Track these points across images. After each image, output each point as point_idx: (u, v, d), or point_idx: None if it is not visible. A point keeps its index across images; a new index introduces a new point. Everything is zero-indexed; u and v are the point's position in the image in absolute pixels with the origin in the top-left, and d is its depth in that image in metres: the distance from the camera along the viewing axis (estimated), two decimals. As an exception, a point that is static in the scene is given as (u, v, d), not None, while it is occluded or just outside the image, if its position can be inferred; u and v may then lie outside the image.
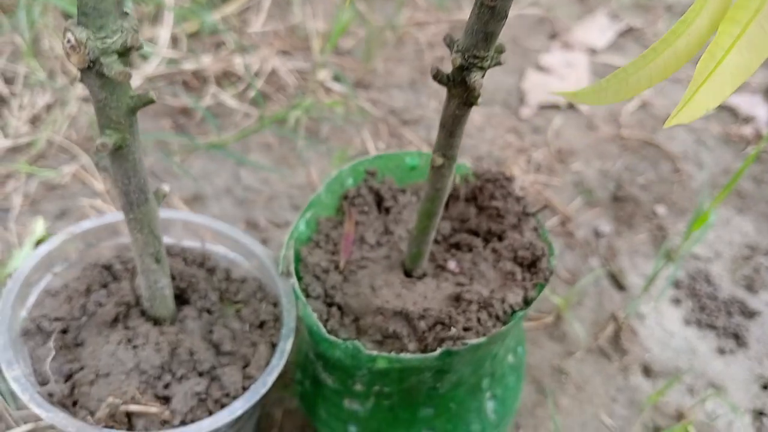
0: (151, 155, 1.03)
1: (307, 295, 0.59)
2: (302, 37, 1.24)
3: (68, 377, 0.54)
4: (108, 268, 0.62)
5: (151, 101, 0.43)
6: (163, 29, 1.17)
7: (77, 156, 1.02)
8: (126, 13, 0.40)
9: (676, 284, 0.99)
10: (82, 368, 0.55)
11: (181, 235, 0.67)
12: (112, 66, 0.38)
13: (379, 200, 0.67)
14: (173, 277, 0.59)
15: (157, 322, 0.57)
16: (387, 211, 0.67)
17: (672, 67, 0.38)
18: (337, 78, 1.19)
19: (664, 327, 0.94)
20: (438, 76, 0.44)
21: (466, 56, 0.43)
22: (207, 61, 1.13)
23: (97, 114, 0.42)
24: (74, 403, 0.54)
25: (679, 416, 0.84)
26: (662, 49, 0.38)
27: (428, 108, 1.19)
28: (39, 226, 0.91)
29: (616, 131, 1.22)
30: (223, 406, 0.54)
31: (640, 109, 1.27)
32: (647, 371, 0.89)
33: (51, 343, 0.55)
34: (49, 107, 1.07)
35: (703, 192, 0.82)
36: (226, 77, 1.15)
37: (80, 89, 1.10)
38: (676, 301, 0.97)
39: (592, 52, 1.38)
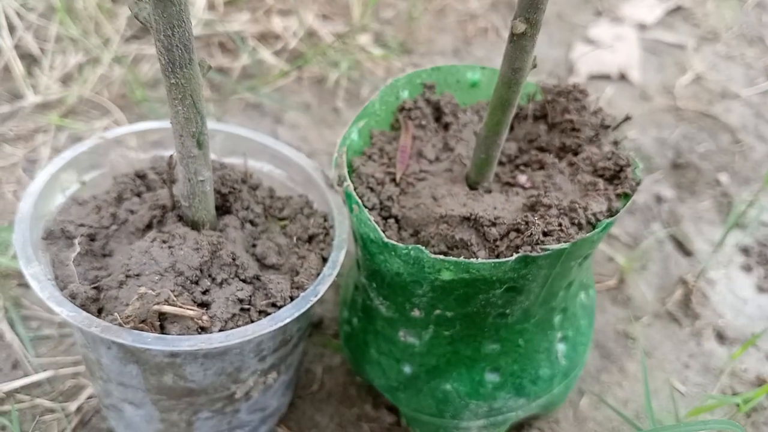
0: (184, 112, 0.99)
1: (360, 208, 0.53)
2: (342, 4, 1.20)
3: (94, 282, 0.48)
4: (142, 177, 0.57)
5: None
6: (200, -8, 1.13)
7: (109, 111, 0.97)
8: None
9: (746, 251, 0.91)
10: (110, 275, 0.49)
11: (220, 150, 0.62)
12: None
13: (438, 116, 0.61)
14: (217, 180, 0.53)
15: (195, 226, 0.51)
16: (446, 127, 0.61)
17: None
18: (378, 42, 1.14)
19: (736, 293, 0.86)
20: None
21: None
22: (245, 21, 1.09)
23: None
24: (100, 311, 0.47)
25: (760, 382, 0.76)
26: None
27: (473, 75, 1.14)
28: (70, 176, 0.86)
29: (671, 102, 1.15)
30: (268, 316, 0.47)
31: (694, 82, 1.21)
32: (721, 337, 0.81)
33: (76, 244, 0.49)
34: (81, 66, 1.04)
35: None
36: (264, 38, 1.10)
37: (113, 49, 1.06)
38: (747, 268, 0.89)
39: (642, 27, 1.32)
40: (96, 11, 1.07)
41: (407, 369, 0.58)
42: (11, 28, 1.03)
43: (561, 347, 0.59)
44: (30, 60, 1.03)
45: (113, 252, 0.52)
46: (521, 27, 0.44)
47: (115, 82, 1.01)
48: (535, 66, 0.48)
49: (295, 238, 0.54)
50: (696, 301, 0.83)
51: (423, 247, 0.47)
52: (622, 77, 1.20)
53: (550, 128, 0.60)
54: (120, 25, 1.09)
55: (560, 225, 0.49)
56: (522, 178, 0.55)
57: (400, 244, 0.48)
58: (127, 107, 0.99)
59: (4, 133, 0.93)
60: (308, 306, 0.47)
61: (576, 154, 0.57)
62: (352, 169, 0.55)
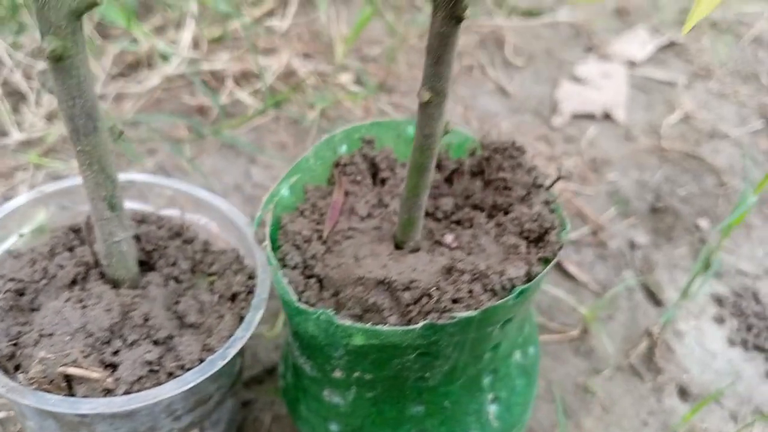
0: (162, 151, 1.00)
1: (284, 265, 0.53)
2: (326, 42, 1.21)
3: (14, 339, 0.49)
4: (76, 231, 0.58)
5: (95, 4, 0.38)
6: (185, 32, 1.15)
7: (86, 149, 0.99)
8: None
9: (720, 302, 0.89)
10: (31, 331, 0.50)
11: (159, 203, 0.62)
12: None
13: (375, 171, 0.61)
14: (139, 239, 0.54)
15: (116, 284, 0.52)
16: (383, 182, 0.61)
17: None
18: (358, 81, 1.15)
19: (705, 346, 0.84)
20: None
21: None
22: (226, 60, 1.10)
23: (37, 17, 0.38)
24: (16, 368, 0.48)
25: (722, 443, 0.74)
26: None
27: (453, 113, 1.14)
28: (38, 215, 0.88)
29: (656, 143, 1.14)
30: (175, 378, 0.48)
31: (682, 121, 1.19)
32: (684, 394, 0.79)
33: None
34: (65, 103, 1.06)
35: (745, 193, 0.73)
36: (245, 77, 1.12)
37: (98, 87, 1.08)
38: (720, 320, 0.87)
39: (631, 64, 1.30)
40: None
41: (334, 428, 0.57)
42: (0, 67, 1.06)
43: (493, 408, 0.58)
44: (18, 97, 1.06)
45: (41, 306, 0.53)
46: (426, 96, 0.44)
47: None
48: (447, 131, 0.48)
49: (217, 296, 0.54)
50: (660, 354, 0.81)
51: (332, 313, 0.47)
52: (607, 116, 1.19)
53: (486, 185, 0.60)
54: (107, 63, 1.12)
55: (471, 292, 0.48)
56: (448, 238, 0.55)
57: (311, 309, 0.48)
58: (106, 145, 1.00)
59: (-15, 170, 0.96)
60: (215, 369, 0.47)
61: (507, 213, 0.57)
62: (279, 226, 0.56)
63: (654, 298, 0.89)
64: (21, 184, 0.94)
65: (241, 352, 0.50)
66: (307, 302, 0.51)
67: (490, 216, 0.58)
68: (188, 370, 0.48)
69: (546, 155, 1.09)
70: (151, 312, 0.50)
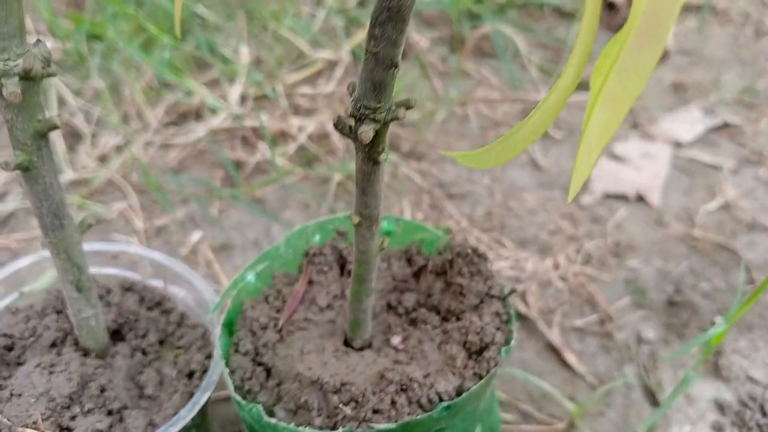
0: (194, 202, 1.07)
1: (236, 350, 0.57)
2: (366, 105, 1.25)
3: (-9, 392, 0.55)
4: (66, 294, 0.64)
5: (56, 127, 0.44)
6: (234, 88, 1.23)
7: (128, 195, 1.07)
8: (39, 41, 0.42)
9: (722, 409, 0.86)
10: (5, 389, 0.56)
11: (149, 271, 0.68)
12: (7, 86, 0.40)
13: (343, 262, 0.64)
14: (114, 310, 0.59)
15: (86, 353, 0.57)
16: (350, 274, 0.64)
17: (544, 123, 0.33)
18: (392, 145, 1.18)
19: (698, 458, 0.81)
20: (338, 125, 0.42)
21: (357, 106, 0.40)
22: (265, 120, 1.17)
23: (9, 135, 0.44)
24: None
25: None
26: (538, 108, 0.34)
27: (479, 184, 1.15)
28: (46, 275, 0.96)
29: (687, 230, 1.10)
30: (121, 449, 0.52)
31: (721, 209, 1.15)
32: (666, 506, 0.76)
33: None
34: (118, 148, 1.15)
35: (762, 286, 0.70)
36: (282, 136, 1.18)
37: (149, 134, 1.17)
38: (718, 429, 0.84)
39: (677, 145, 1.27)
40: (140, 97, 1.20)
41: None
42: (63, 108, 1.17)
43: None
44: (76, 138, 1.17)
45: (26, 362, 0.59)
46: (355, 220, 0.47)
47: (143, 166, 1.12)
48: (383, 249, 0.50)
49: (176, 372, 0.59)
50: (644, 461, 0.79)
51: (261, 407, 0.50)
52: (641, 199, 1.16)
53: (447, 287, 0.61)
54: (160, 112, 1.21)
55: (394, 403, 0.50)
56: (395, 340, 0.57)
57: (243, 402, 0.51)
58: (147, 192, 1.09)
59: (36, 208, 1.05)
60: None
61: (459, 320, 0.58)
62: (240, 311, 0.60)
63: (652, 397, 0.87)
64: (65, 223, 1.03)
65: (186, 430, 0.54)
66: (249, 390, 0.54)
67: (445, 319, 0.59)
68: (132, 443, 0.53)
69: (567, 235, 1.08)
70: (110, 383, 0.55)
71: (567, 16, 1.65)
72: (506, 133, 0.36)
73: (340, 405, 0.49)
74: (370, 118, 0.40)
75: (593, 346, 0.93)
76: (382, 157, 0.42)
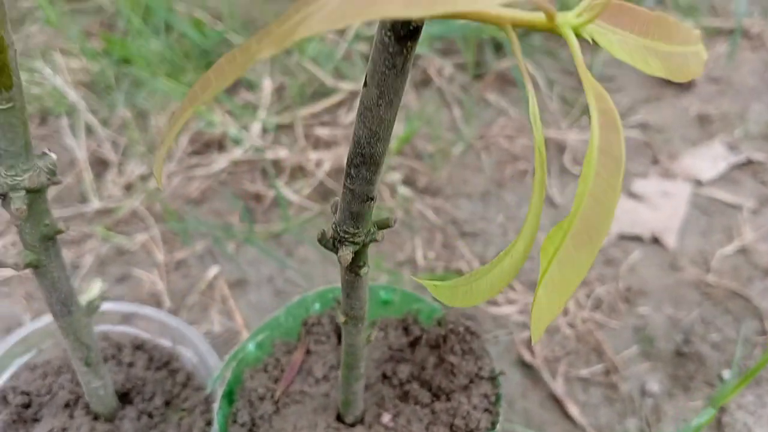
0: (210, 236, 1.11)
1: (235, 421, 0.59)
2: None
3: (6, 453, 0.60)
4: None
5: (60, 232, 0.47)
6: (256, 120, 1.26)
7: (150, 227, 1.11)
8: (45, 154, 0.45)
9: (723, 471, 0.86)
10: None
11: (158, 331, 0.71)
12: (15, 201, 0.43)
13: (340, 331, 0.66)
14: (124, 372, 0.63)
15: (97, 416, 0.61)
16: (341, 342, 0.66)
17: (500, 284, 0.35)
18: (407, 180, 1.20)
19: None
20: (322, 241, 0.44)
21: (338, 229, 0.42)
22: (283, 154, 1.20)
23: (19, 237, 0.47)
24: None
25: None
26: (493, 266, 0.35)
27: (493, 222, 1.16)
28: (94, 288, 1.00)
29: (702, 275, 1.10)
30: None
31: (738, 253, 1.14)
32: None
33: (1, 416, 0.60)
34: (143, 177, 1.20)
35: None
36: (300, 170, 1.20)
37: (172, 164, 1.21)
38: (719, 491, 0.84)
39: (697, 183, 1.26)
40: (166, 126, 1.23)
41: None
42: (90, 137, 1.21)
43: None
44: (104, 166, 1.21)
45: (42, 419, 0.63)
46: (342, 319, 0.49)
47: (166, 197, 1.16)
48: (369, 341, 0.52)
49: (179, 436, 0.62)
50: None
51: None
52: (656, 240, 1.16)
53: (440, 362, 0.63)
54: (184, 141, 1.25)
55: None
56: (386, 418, 0.59)
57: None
58: (169, 222, 1.12)
59: (63, 237, 1.10)
60: None
61: (449, 399, 0.60)
62: (239, 381, 0.62)
63: (653, 454, 0.88)
64: (88, 254, 1.07)
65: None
66: (244, 461, 0.57)
67: (436, 396, 0.61)
68: None
69: (579, 278, 1.08)
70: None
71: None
72: (470, 275, 0.37)
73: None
74: (349, 242, 0.42)
75: (597, 397, 0.94)
76: (363, 270, 0.44)
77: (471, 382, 0.60)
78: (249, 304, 1.02)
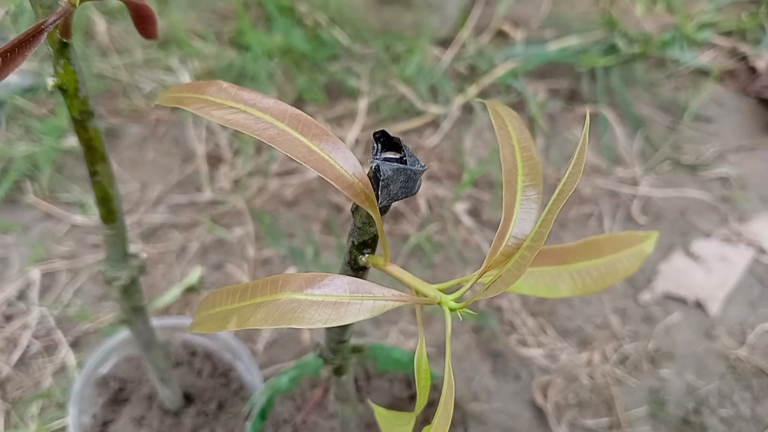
0: (299, 236, 1.29)
1: (262, 435, 0.79)
2: (460, 164, 1.39)
3: (103, 424, 0.82)
4: (186, 347, 0.89)
5: (144, 307, 0.66)
6: (351, 132, 1.42)
7: (246, 223, 1.32)
8: (136, 255, 0.64)
9: None
10: (114, 420, 0.82)
11: (223, 346, 0.91)
12: (113, 290, 0.62)
13: (356, 378, 0.83)
14: (193, 374, 0.83)
15: (166, 411, 0.82)
16: (358, 388, 0.83)
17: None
18: (473, 212, 1.32)
19: None
20: (318, 352, 0.60)
21: (322, 353, 0.58)
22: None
23: (118, 303, 0.66)
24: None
25: None
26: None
27: (543, 264, 1.26)
28: (195, 274, 1.23)
29: (734, 349, 1.15)
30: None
31: (780, 332, 1.17)
32: None
33: (99, 399, 0.83)
34: (250, 174, 1.40)
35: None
36: (379, 188, 1.35)
37: (276, 165, 1.40)
38: None
39: (761, 251, 1.28)
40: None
41: None
42: (210, 135, 1.42)
43: None
44: (218, 162, 1.42)
45: (130, 401, 0.85)
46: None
47: (267, 195, 1.35)
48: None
49: (224, 436, 0.82)
50: None
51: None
52: (699, 305, 1.22)
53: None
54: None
55: None
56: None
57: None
58: (264, 222, 1.32)
59: (179, 221, 1.33)
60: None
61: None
62: (272, 404, 0.81)
63: None
64: (195, 240, 1.30)
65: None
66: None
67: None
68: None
69: (612, 332, 1.18)
70: (175, 438, 0.80)
71: (703, 74, 1.62)
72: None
73: None
74: (330, 363, 0.57)
75: (596, 447, 1.05)
76: (344, 378, 0.60)
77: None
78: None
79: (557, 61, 1.55)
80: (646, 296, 1.23)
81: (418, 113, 1.46)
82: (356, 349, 0.58)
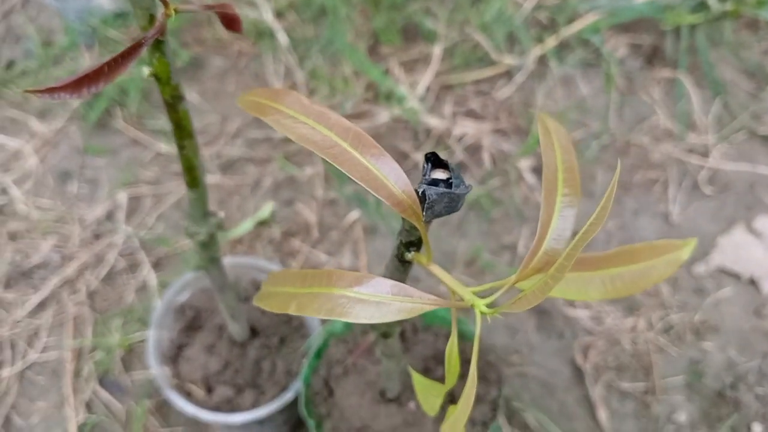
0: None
1: (316, 372, 0.88)
2: (529, 119, 1.40)
3: (179, 347, 0.93)
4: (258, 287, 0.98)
5: (219, 259, 0.74)
6: (424, 77, 1.44)
7: (317, 163, 1.38)
8: (214, 214, 0.71)
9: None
10: (188, 345, 0.93)
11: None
12: (195, 242, 0.70)
13: (403, 330, 0.90)
14: (258, 311, 0.93)
15: (234, 341, 0.92)
16: (403, 338, 0.90)
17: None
18: (537, 169, 1.34)
19: None
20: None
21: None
22: (434, 123, 1.38)
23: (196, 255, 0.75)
24: (174, 362, 0.93)
25: None
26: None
27: (603, 230, 1.28)
28: (267, 208, 1.31)
29: (782, 329, 1.17)
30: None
31: (833, 318, 1.17)
32: None
33: (176, 325, 0.94)
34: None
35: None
36: (443, 140, 1.38)
37: (349, 105, 1.45)
38: None
39: (828, 233, 1.26)
40: (349, 69, 1.46)
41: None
42: (288, 76, 1.48)
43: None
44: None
45: (203, 328, 0.96)
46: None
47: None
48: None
49: (283, 366, 0.92)
50: None
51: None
52: (752, 282, 1.22)
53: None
54: (360, 87, 1.47)
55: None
56: (412, 405, 0.84)
57: (306, 413, 0.83)
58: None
59: (255, 156, 1.41)
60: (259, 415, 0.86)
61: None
62: (327, 345, 0.90)
63: (655, 471, 1.05)
64: (268, 176, 1.38)
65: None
66: (315, 401, 0.86)
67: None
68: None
69: (661, 300, 1.20)
70: (242, 366, 0.90)
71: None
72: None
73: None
74: (376, 329, 0.64)
75: (628, 409, 1.10)
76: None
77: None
78: (375, 249, 1.28)
79: (642, 17, 1.50)
80: (700, 268, 1.24)
81: (492, 63, 1.46)
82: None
